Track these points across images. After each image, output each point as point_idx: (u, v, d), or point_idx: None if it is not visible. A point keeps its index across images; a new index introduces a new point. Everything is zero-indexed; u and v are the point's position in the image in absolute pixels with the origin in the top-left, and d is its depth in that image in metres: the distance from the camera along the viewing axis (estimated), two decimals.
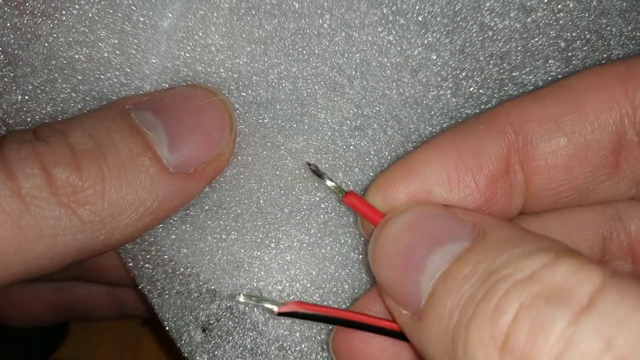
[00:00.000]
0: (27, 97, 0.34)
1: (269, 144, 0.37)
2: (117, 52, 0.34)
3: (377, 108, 0.36)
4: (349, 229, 0.37)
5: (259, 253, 0.37)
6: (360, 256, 0.37)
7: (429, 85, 0.36)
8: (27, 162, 0.30)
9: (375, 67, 0.35)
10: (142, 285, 0.39)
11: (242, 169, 0.37)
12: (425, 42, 0.35)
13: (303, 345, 0.37)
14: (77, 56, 0.34)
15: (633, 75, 0.30)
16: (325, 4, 0.34)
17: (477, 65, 0.35)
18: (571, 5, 0.34)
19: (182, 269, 0.37)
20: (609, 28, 0.35)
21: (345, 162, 0.37)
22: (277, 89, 0.36)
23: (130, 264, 0.38)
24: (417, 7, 0.34)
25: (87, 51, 0.34)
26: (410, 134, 0.36)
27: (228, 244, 0.37)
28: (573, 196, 0.32)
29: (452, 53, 0.35)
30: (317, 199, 0.37)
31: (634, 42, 0.35)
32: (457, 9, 0.34)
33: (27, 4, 0.33)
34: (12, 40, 0.33)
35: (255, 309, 0.37)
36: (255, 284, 0.37)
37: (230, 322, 0.37)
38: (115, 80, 0.35)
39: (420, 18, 0.34)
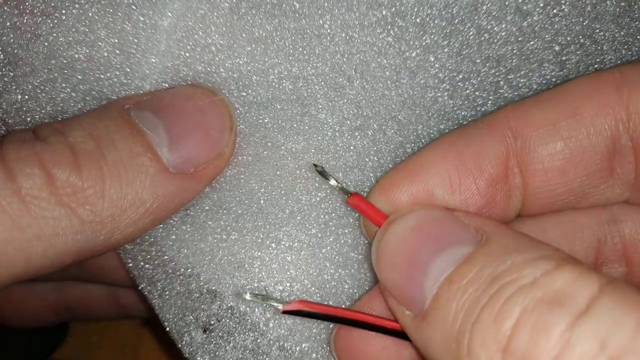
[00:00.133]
0: (26, 97, 0.34)
1: (269, 144, 0.36)
2: (117, 51, 0.34)
3: (377, 109, 0.36)
4: (349, 229, 0.37)
5: (259, 253, 0.37)
6: (360, 256, 0.37)
7: (426, 87, 0.36)
8: (27, 162, 0.30)
9: (375, 68, 0.35)
10: (142, 285, 0.38)
11: (242, 169, 0.37)
12: (424, 44, 0.35)
13: (304, 345, 0.37)
14: (77, 56, 0.34)
15: (628, 82, 0.31)
16: (326, 4, 0.34)
17: (474, 68, 0.35)
18: (566, 10, 0.34)
19: (182, 270, 0.37)
20: (602, 33, 0.35)
21: (345, 163, 0.37)
22: (277, 89, 0.35)
23: (131, 265, 0.38)
24: (415, 9, 0.34)
25: (87, 51, 0.34)
26: (408, 135, 0.37)
27: (229, 245, 0.37)
28: (569, 199, 0.33)
29: (450, 55, 0.35)
30: (318, 199, 0.37)
31: (626, 47, 0.36)
32: (454, 12, 0.34)
33: (27, 3, 0.33)
34: (12, 40, 0.33)
35: (256, 309, 0.37)
36: (256, 285, 0.37)
37: (231, 323, 0.37)
38: (115, 79, 0.34)
39: (418, 20, 0.34)
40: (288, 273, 0.37)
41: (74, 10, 0.33)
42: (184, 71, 0.35)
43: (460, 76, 0.36)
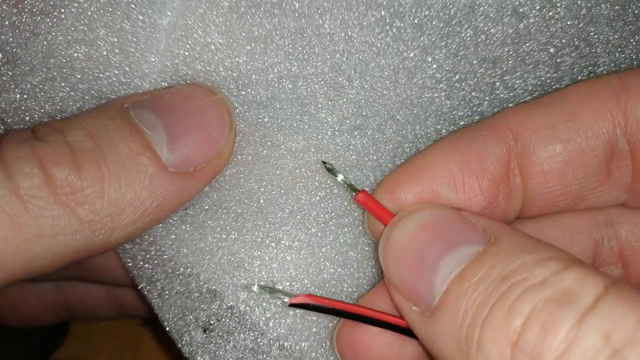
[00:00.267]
0: (25, 96, 0.34)
1: (269, 143, 0.36)
2: (116, 50, 0.34)
3: (376, 108, 0.36)
4: (349, 228, 0.37)
5: (259, 253, 0.37)
6: (360, 256, 0.37)
7: (424, 87, 0.36)
8: (26, 161, 0.29)
9: (374, 68, 0.35)
10: (141, 285, 0.38)
11: (242, 168, 0.36)
12: (421, 44, 0.35)
13: (304, 345, 0.37)
14: (76, 55, 0.33)
15: (625, 87, 0.32)
16: (325, 4, 0.34)
17: (470, 69, 0.36)
18: (562, 13, 0.35)
19: (182, 269, 0.37)
20: (596, 36, 0.35)
21: (345, 162, 0.36)
22: (277, 88, 0.35)
23: (130, 264, 0.38)
24: (413, 10, 0.34)
25: (86, 50, 0.33)
26: (406, 135, 0.37)
27: (228, 244, 0.37)
28: (567, 201, 0.34)
29: (447, 56, 0.35)
30: (318, 198, 0.37)
31: (619, 50, 0.36)
32: (452, 13, 0.34)
33: (26, 2, 0.32)
34: (11, 39, 0.33)
35: (256, 309, 0.36)
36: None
37: (231, 322, 0.37)
38: (114, 79, 0.34)
39: (416, 21, 0.34)
40: (288, 272, 0.37)
41: (72, 9, 0.33)
42: (183, 70, 0.35)
43: (457, 77, 0.36)
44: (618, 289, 0.23)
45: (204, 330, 0.37)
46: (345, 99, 0.36)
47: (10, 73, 0.33)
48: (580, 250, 0.35)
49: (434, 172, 0.32)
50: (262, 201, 0.36)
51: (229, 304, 0.37)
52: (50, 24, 0.33)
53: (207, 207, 0.37)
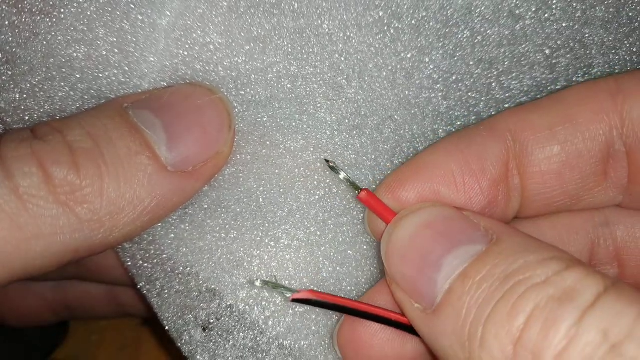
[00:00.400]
0: (25, 96, 0.34)
1: (268, 142, 0.36)
2: (116, 50, 0.33)
3: (374, 108, 0.36)
4: (348, 227, 0.37)
5: (258, 252, 0.36)
6: (358, 254, 0.37)
7: (421, 88, 0.36)
8: (25, 161, 0.29)
9: (372, 68, 0.35)
10: (141, 284, 0.38)
11: (241, 168, 0.36)
12: (419, 45, 0.35)
13: (303, 343, 0.36)
14: (75, 54, 0.33)
15: (622, 89, 0.32)
16: (324, 4, 0.34)
17: (467, 70, 0.36)
18: (557, 14, 0.35)
19: (181, 268, 0.37)
20: (591, 37, 0.35)
21: (344, 161, 0.36)
22: (276, 88, 0.35)
23: (129, 263, 0.38)
24: (411, 11, 0.34)
25: (86, 49, 0.33)
26: (404, 134, 0.36)
27: (227, 243, 0.36)
28: (564, 201, 0.34)
29: (444, 57, 0.35)
30: (317, 197, 0.36)
31: (613, 51, 0.36)
32: (449, 14, 0.34)
33: (26, 2, 0.32)
34: (11, 39, 0.32)
35: (255, 307, 0.36)
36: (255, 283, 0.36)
37: (230, 321, 0.36)
38: (114, 78, 0.34)
39: (414, 22, 0.34)
40: (287, 271, 0.36)
41: (72, 9, 0.32)
42: (182, 70, 0.34)
43: (454, 77, 0.36)
44: (617, 288, 0.24)
45: (204, 329, 0.37)
46: (344, 99, 0.36)
47: (10, 73, 0.33)
48: (577, 250, 0.35)
49: (435, 172, 0.32)
50: (261, 200, 0.36)
51: (228, 303, 0.36)
52: (49, 23, 0.32)
53: (206, 206, 0.36)
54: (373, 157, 0.36)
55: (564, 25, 0.35)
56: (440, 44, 0.35)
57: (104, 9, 0.33)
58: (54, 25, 0.33)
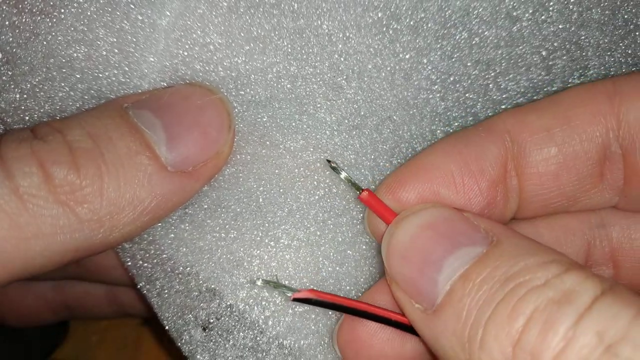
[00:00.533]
0: (25, 96, 0.33)
1: (267, 142, 0.36)
2: (116, 50, 0.33)
3: (374, 108, 0.36)
4: (347, 227, 0.37)
5: (258, 252, 0.36)
6: (357, 254, 0.37)
7: (420, 88, 0.36)
8: (25, 161, 0.29)
9: (371, 68, 0.35)
10: (141, 284, 0.38)
11: (241, 168, 0.36)
12: (417, 46, 0.35)
13: (303, 343, 0.36)
14: (75, 55, 0.33)
15: (619, 92, 0.32)
16: (323, 5, 0.34)
17: (465, 71, 0.35)
18: (554, 17, 0.35)
19: (181, 268, 0.36)
20: (587, 39, 0.35)
21: (343, 161, 0.36)
22: (275, 88, 0.35)
23: (129, 263, 0.37)
24: (409, 12, 0.34)
25: (86, 50, 0.33)
26: (403, 135, 0.36)
27: (227, 243, 0.36)
28: (561, 203, 0.34)
29: (442, 58, 0.35)
30: (316, 197, 0.36)
31: (609, 53, 0.36)
32: (447, 16, 0.34)
33: (26, 3, 0.32)
34: (11, 39, 0.32)
35: (255, 307, 0.36)
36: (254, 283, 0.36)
37: (230, 321, 0.36)
38: (114, 78, 0.34)
39: (412, 23, 0.34)
40: (287, 271, 0.36)
41: (72, 9, 0.32)
42: (182, 70, 0.34)
43: (452, 78, 0.36)
44: (614, 291, 0.24)
45: (204, 329, 0.36)
46: (343, 99, 0.35)
47: (10, 73, 0.33)
48: (574, 251, 0.35)
49: (434, 173, 0.32)
50: (261, 200, 0.36)
51: (228, 303, 0.36)
52: (50, 24, 0.32)
53: (206, 206, 0.36)
54: (372, 157, 0.36)
55: (560, 27, 0.35)
56: (438, 45, 0.35)
57: (104, 9, 0.32)
58: (54, 26, 0.32)
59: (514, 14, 0.35)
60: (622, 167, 0.33)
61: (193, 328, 0.36)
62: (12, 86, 0.33)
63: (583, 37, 0.35)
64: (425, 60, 0.35)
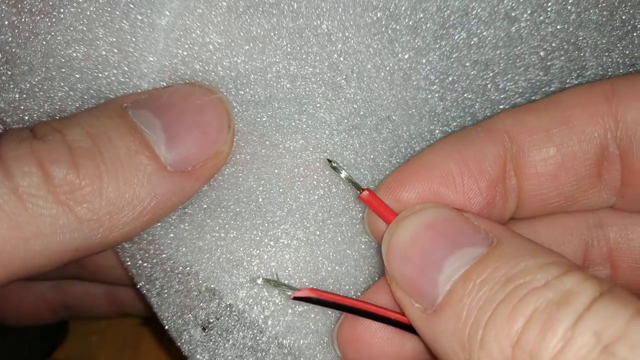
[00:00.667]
0: (24, 96, 0.33)
1: (267, 142, 0.35)
2: (115, 50, 0.33)
3: (373, 108, 0.35)
4: (346, 227, 0.36)
5: (258, 251, 0.36)
6: (357, 254, 0.37)
7: (418, 89, 0.35)
8: (24, 160, 0.29)
9: (371, 68, 0.35)
10: (140, 284, 0.37)
11: (240, 168, 0.36)
12: (416, 46, 0.35)
13: (302, 342, 0.36)
14: (74, 54, 0.33)
15: (617, 93, 0.32)
16: (323, 4, 0.33)
17: (463, 71, 0.35)
18: (552, 17, 0.35)
19: (180, 268, 0.36)
20: (585, 40, 0.35)
21: (343, 160, 0.36)
22: (275, 88, 0.35)
23: (129, 263, 0.37)
24: (408, 13, 0.34)
25: (85, 49, 0.32)
26: (402, 135, 0.36)
27: (227, 243, 0.36)
28: (560, 203, 0.34)
29: (440, 58, 0.35)
30: (316, 197, 0.36)
31: (607, 54, 0.36)
32: (445, 16, 0.34)
33: (25, 2, 0.32)
34: (10, 38, 0.32)
35: (255, 307, 0.36)
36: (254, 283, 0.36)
37: (230, 321, 0.36)
38: (113, 78, 0.33)
39: (411, 23, 0.34)
40: (286, 271, 0.36)
41: (72, 9, 0.32)
42: (181, 70, 0.34)
43: (450, 78, 0.35)
44: (612, 293, 0.24)
45: (203, 329, 0.36)
46: (343, 99, 0.35)
47: (10, 73, 0.33)
48: (572, 251, 0.35)
49: (434, 173, 0.32)
50: (260, 200, 0.36)
51: (227, 303, 0.36)
52: (49, 23, 0.32)
53: (205, 206, 0.36)
54: (371, 157, 0.36)
55: (558, 27, 0.35)
56: (437, 45, 0.35)
57: (104, 8, 0.32)
58: (54, 25, 0.32)
59: (513, 14, 0.34)
60: (619, 167, 0.33)
61: (192, 328, 0.36)
62: (12, 86, 0.33)
63: (581, 38, 0.35)
64: (424, 60, 0.35)
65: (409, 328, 0.31)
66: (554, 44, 0.35)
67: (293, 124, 0.35)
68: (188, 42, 0.33)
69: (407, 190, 0.32)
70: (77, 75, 0.33)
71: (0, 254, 0.28)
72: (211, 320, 0.36)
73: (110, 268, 0.45)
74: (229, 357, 0.36)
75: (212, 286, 0.36)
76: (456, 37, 0.35)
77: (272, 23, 0.33)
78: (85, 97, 0.34)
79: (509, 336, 0.24)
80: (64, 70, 0.33)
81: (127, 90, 0.34)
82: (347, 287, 0.37)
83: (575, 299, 0.24)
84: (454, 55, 0.35)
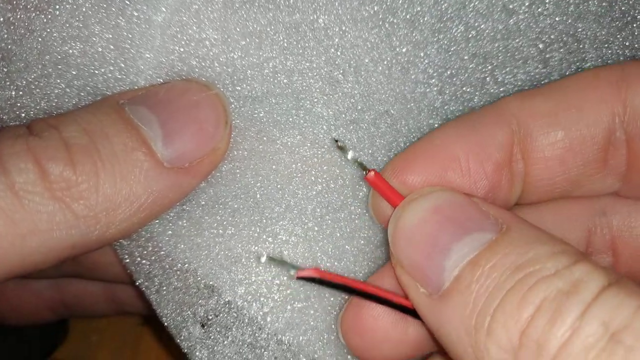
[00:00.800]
0: (21, 93, 0.33)
1: (264, 138, 0.35)
2: (111, 47, 0.33)
3: (371, 103, 0.35)
4: (345, 222, 0.36)
5: (256, 248, 0.36)
6: (355, 249, 0.36)
7: (417, 82, 0.35)
8: (21, 157, 0.29)
9: (368, 62, 0.35)
10: (139, 281, 0.37)
11: (238, 164, 0.35)
12: (414, 40, 0.34)
13: (301, 339, 0.36)
14: (71, 51, 0.32)
15: (626, 78, 0.32)
16: None
17: (461, 64, 0.35)
18: (550, 9, 0.34)
19: (179, 265, 0.36)
20: (584, 32, 0.35)
21: (340, 155, 0.36)
22: (272, 83, 0.34)
23: (127, 260, 0.37)
24: (405, 6, 0.34)
25: (81, 46, 0.32)
26: (400, 129, 0.36)
27: (225, 239, 0.36)
28: (565, 188, 0.33)
29: (439, 52, 0.35)
30: (314, 193, 0.36)
31: (606, 45, 0.36)
32: (443, 9, 0.34)
33: None
34: (6, 35, 0.32)
35: (254, 303, 0.36)
36: (253, 279, 0.36)
37: (229, 317, 0.36)
38: (110, 75, 0.33)
39: (408, 16, 0.34)
40: None
41: (67, 6, 0.32)
42: (178, 66, 0.34)
43: (449, 72, 0.35)
44: (620, 283, 0.24)
45: (202, 326, 0.36)
46: (340, 94, 0.35)
47: (6, 70, 0.33)
48: (575, 238, 0.35)
49: (440, 155, 0.32)
50: (258, 196, 0.36)
51: (226, 299, 0.36)
52: (45, 20, 0.32)
53: (203, 202, 0.36)
54: (370, 151, 0.36)
55: (557, 19, 0.35)
56: (435, 39, 0.35)
57: (99, 5, 0.32)
58: (49, 22, 0.32)
59: (510, 6, 0.34)
60: (625, 152, 0.32)
61: (192, 325, 0.36)
62: (8, 83, 0.33)
63: (580, 30, 0.35)
64: (422, 54, 0.35)
65: (412, 313, 0.30)
66: (552, 36, 0.35)
67: (290, 119, 0.35)
68: (184, 38, 0.33)
69: (413, 173, 0.32)
70: (74, 72, 0.33)
71: None
72: (210, 317, 0.36)
73: (109, 265, 0.45)
74: (228, 354, 0.36)
75: (211, 283, 0.36)
76: (454, 30, 0.35)
77: (269, 18, 0.33)
78: (82, 94, 0.34)
79: (518, 324, 0.24)
80: (60, 67, 0.33)
81: (123, 87, 0.34)
82: None
83: (584, 288, 0.24)
84: (452, 49, 0.35)
